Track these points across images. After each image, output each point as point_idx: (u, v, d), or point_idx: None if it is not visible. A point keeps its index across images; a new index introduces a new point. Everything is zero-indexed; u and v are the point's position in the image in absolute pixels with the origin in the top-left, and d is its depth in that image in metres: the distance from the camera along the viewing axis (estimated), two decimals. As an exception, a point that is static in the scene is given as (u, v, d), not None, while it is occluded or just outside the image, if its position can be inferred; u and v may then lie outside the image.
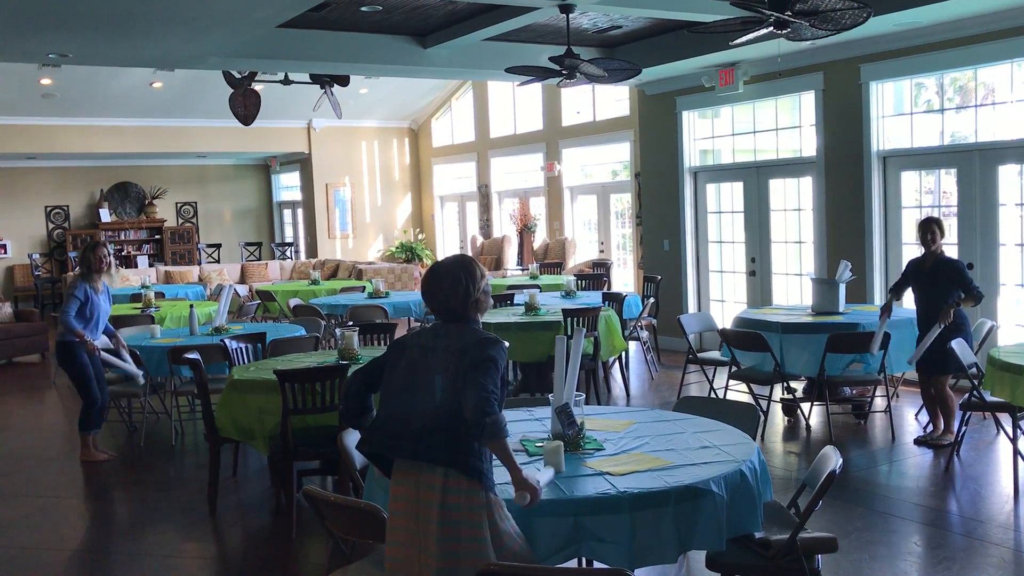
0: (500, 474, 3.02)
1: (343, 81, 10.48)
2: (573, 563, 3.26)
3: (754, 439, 3.77)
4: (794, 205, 9.81)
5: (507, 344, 3.11)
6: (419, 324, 10.04)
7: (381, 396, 3.15)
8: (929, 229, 6.52)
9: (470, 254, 16.30)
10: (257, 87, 10.98)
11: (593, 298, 9.17)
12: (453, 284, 3.10)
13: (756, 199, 10.09)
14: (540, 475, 3.08)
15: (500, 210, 16.42)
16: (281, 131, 17.55)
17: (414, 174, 18.79)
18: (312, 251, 18.24)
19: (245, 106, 10.64)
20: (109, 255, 7.11)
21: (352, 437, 3.84)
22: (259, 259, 19.09)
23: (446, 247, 18.18)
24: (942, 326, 6.28)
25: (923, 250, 6.61)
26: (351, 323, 8.60)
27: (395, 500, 3.02)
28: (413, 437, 2.96)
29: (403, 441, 2.98)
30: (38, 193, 18.14)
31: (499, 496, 2.97)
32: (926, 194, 8.75)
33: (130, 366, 7.01)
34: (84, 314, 6.87)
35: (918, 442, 6.63)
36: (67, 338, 6.86)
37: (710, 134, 10.89)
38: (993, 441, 6.61)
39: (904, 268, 6.89)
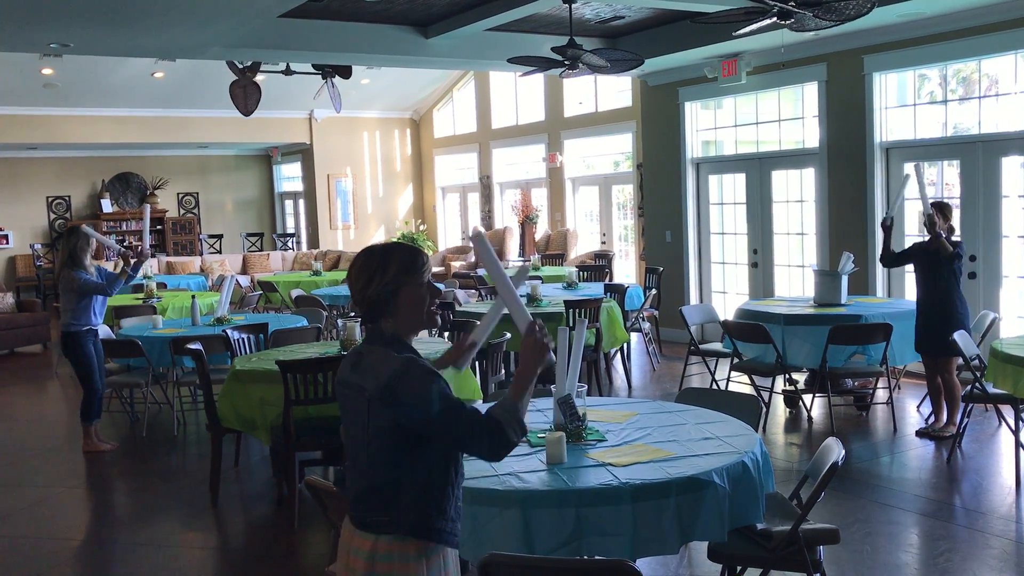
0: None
1: (345, 73, 10.45)
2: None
3: (756, 430, 3.77)
4: (796, 196, 9.80)
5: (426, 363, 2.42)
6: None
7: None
8: (929, 214, 6.52)
9: (472, 246, 16.29)
10: (259, 77, 10.95)
11: (595, 289, 9.17)
12: (358, 273, 2.47)
13: (758, 190, 10.08)
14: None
15: (502, 201, 16.40)
16: (283, 121, 17.53)
17: (416, 165, 18.77)
18: (314, 242, 18.23)
19: (246, 97, 10.62)
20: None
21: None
22: (261, 250, 19.08)
23: (447, 238, 18.17)
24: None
25: (927, 236, 6.61)
26: (353, 314, 8.61)
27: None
28: (353, 502, 2.47)
29: (351, 506, 2.49)
30: (40, 183, 18.13)
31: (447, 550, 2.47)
32: (929, 186, 8.72)
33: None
34: (84, 306, 6.88)
35: (920, 434, 6.63)
36: (73, 328, 6.88)
37: (712, 125, 10.86)
38: (995, 433, 6.61)
39: (909, 246, 6.89)
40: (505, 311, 2.67)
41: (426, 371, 2.36)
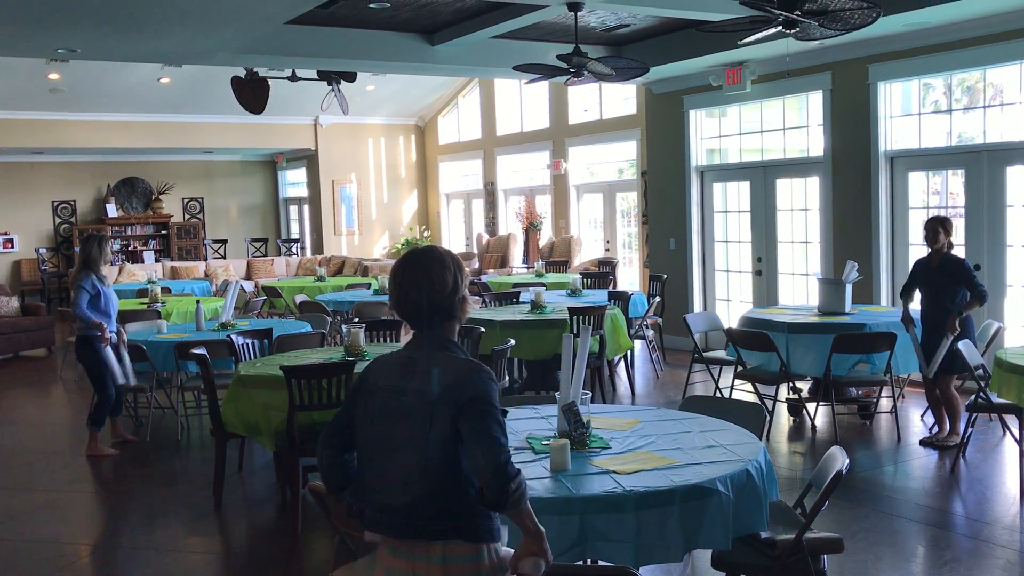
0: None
1: (350, 77, 10.49)
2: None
3: (760, 439, 3.77)
4: (801, 205, 9.80)
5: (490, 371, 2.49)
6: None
7: (359, 456, 2.59)
8: (932, 228, 6.52)
9: (476, 252, 16.31)
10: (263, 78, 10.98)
11: (599, 296, 9.17)
12: (441, 276, 2.49)
13: (763, 199, 10.08)
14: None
15: (506, 208, 16.41)
16: (288, 127, 17.56)
17: (420, 171, 18.80)
18: (318, 247, 18.26)
19: (255, 94, 10.61)
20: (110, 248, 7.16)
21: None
22: (265, 255, 19.11)
23: (451, 244, 18.18)
24: (950, 337, 6.26)
25: (929, 249, 6.60)
26: (357, 319, 8.62)
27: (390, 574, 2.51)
28: (404, 511, 2.42)
29: (394, 517, 2.44)
30: (45, 188, 18.17)
31: (503, 540, 2.53)
32: (933, 195, 8.73)
33: (120, 368, 6.97)
34: (98, 307, 6.91)
35: (924, 443, 6.62)
36: (86, 332, 6.90)
37: (717, 133, 10.87)
38: (999, 443, 6.60)
39: (911, 268, 6.88)
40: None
41: (491, 377, 2.42)
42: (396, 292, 2.52)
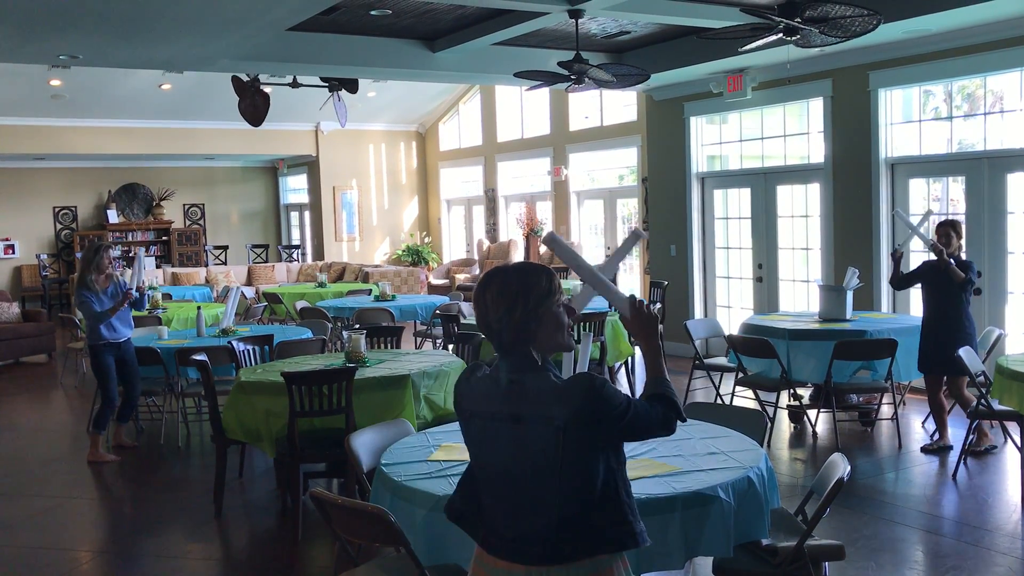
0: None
1: (352, 87, 10.49)
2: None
3: (761, 445, 3.77)
4: (801, 212, 9.80)
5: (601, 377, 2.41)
6: (426, 327, 10.04)
7: (479, 482, 2.49)
8: (944, 232, 6.55)
9: (477, 258, 16.32)
10: (265, 89, 11.00)
11: (599, 303, 9.17)
12: (535, 285, 2.39)
13: (763, 205, 10.09)
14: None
15: (506, 214, 16.42)
16: (289, 134, 17.59)
17: (421, 177, 18.82)
18: (319, 254, 18.27)
19: (255, 106, 10.64)
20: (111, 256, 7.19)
21: (360, 439, 3.84)
22: (266, 261, 19.11)
23: (452, 250, 18.19)
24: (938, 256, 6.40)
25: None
26: (358, 326, 8.62)
27: None
28: (540, 539, 2.34)
29: (529, 545, 2.36)
30: (46, 194, 18.19)
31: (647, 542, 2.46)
32: (934, 201, 8.73)
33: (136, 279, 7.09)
34: (92, 316, 6.93)
35: (925, 450, 6.62)
36: (93, 342, 6.97)
37: (718, 140, 10.88)
38: (1000, 450, 6.59)
39: (918, 266, 6.90)
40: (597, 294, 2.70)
41: (603, 380, 2.35)
42: (482, 312, 2.42)
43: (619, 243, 13.79)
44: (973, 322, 6.51)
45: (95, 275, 7.00)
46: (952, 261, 6.42)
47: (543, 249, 14.91)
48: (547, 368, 2.40)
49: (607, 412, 2.31)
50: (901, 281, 6.91)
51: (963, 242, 6.64)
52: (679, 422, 2.45)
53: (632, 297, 2.53)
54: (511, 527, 2.39)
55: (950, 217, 7.29)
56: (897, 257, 6.92)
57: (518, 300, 2.36)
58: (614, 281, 2.71)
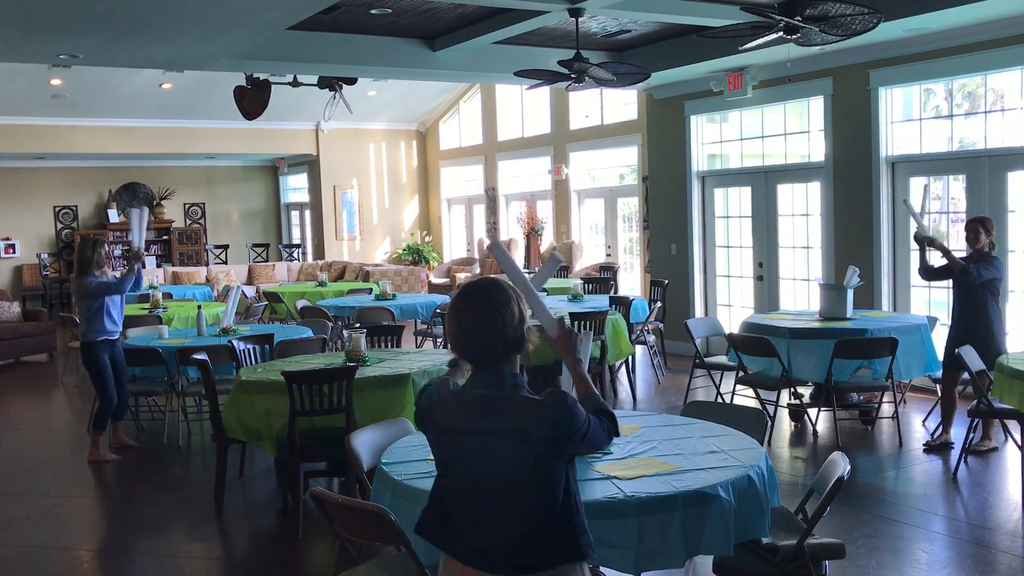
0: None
1: (350, 80, 10.50)
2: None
3: (761, 444, 3.77)
4: (802, 210, 9.80)
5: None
6: (426, 327, 10.05)
7: (447, 494, 2.55)
8: (973, 228, 6.55)
9: (477, 258, 16.32)
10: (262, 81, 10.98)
11: (600, 302, 9.17)
12: (509, 309, 2.47)
13: (764, 204, 10.09)
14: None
15: (507, 213, 16.42)
16: (289, 133, 17.58)
17: (421, 176, 18.81)
18: (319, 253, 18.27)
19: (256, 97, 10.61)
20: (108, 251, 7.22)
21: (360, 438, 3.84)
22: (266, 260, 19.11)
23: (452, 250, 18.19)
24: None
25: (970, 250, 6.62)
26: (358, 325, 8.62)
27: None
28: (507, 550, 2.43)
29: (496, 556, 2.44)
30: (47, 193, 18.19)
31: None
32: (935, 200, 8.73)
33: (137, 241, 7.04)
34: (95, 312, 6.94)
35: (928, 447, 6.58)
36: (88, 338, 6.98)
37: (718, 138, 10.88)
38: (1001, 448, 6.59)
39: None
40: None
41: (573, 398, 2.44)
42: (460, 330, 2.47)
43: (618, 243, 13.78)
44: (997, 319, 6.49)
45: (96, 271, 7.02)
46: (969, 264, 6.41)
47: (544, 247, 14.91)
48: (520, 384, 2.47)
49: (576, 429, 2.41)
50: (930, 273, 6.86)
51: (993, 239, 6.59)
52: (616, 427, 2.58)
53: (561, 319, 2.70)
54: (480, 537, 2.45)
55: (946, 218, 7.30)
56: (919, 241, 6.87)
57: (509, 314, 2.45)
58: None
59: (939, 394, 7.57)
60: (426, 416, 2.58)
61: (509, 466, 2.40)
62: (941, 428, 6.73)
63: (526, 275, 2.73)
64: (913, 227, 8.56)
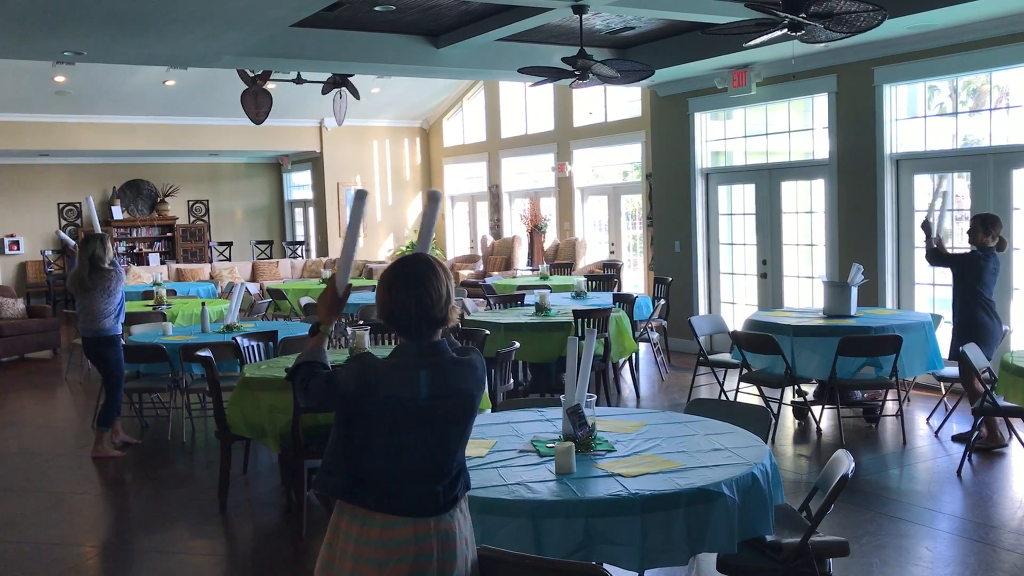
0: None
1: (347, 75, 10.51)
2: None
3: (765, 442, 3.77)
4: (806, 208, 9.79)
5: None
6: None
7: (368, 459, 2.62)
8: (972, 225, 6.67)
9: (481, 255, 16.31)
10: (269, 86, 11.01)
11: (603, 299, 9.16)
12: (440, 284, 2.64)
13: (768, 201, 10.07)
14: None
15: (511, 210, 16.42)
16: (293, 130, 17.59)
17: (425, 174, 18.81)
18: (323, 250, 18.28)
19: (256, 106, 10.68)
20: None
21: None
22: (270, 257, 19.14)
23: (456, 247, 18.19)
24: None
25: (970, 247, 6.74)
26: (362, 322, 8.62)
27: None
28: (439, 495, 2.62)
29: (427, 503, 2.60)
30: (51, 190, 18.22)
31: None
32: (939, 198, 8.70)
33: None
34: (119, 302, 6.97)
35: (976, 448, 6.50)
36: (112, 332, 6.97)
37: (722, 136, 10.86)
38: (1005, 446, 6.57)
39: (955, 253, 6.98)
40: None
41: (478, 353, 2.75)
42: (390, 303, 2.63)
43: (622, 240, 13.77)
44: (990, 312, 6.56)
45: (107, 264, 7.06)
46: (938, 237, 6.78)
47: (548, 244, 14.90)
48: (453, 348, 2.71)
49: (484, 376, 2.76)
50: (936, 257, 6.94)
51: (996, 236, 6.65)
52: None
53: (349, 286, 2.88)
54: (422, 487, 2.62)
55: (951, 215, 7.32)
56: (925, 227, 6.95)
57: (446, 285, 2.65)
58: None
59: (944, 392, 7.58)
60: (366, 391, 2.58)
61: (460, 420, 2.66)
62: (984, 431, 6.63)
63: (356, 238, 3.01)
64: (919, 219, 8.58)
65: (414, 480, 2.61)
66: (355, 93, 10.91)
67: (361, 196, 2.97)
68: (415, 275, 2.61)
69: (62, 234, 7.55)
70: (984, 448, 6.43)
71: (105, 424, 7.12)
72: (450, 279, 2.68)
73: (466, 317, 8.36)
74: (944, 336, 7.19)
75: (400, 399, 2.57)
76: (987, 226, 6.60)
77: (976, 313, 6.57)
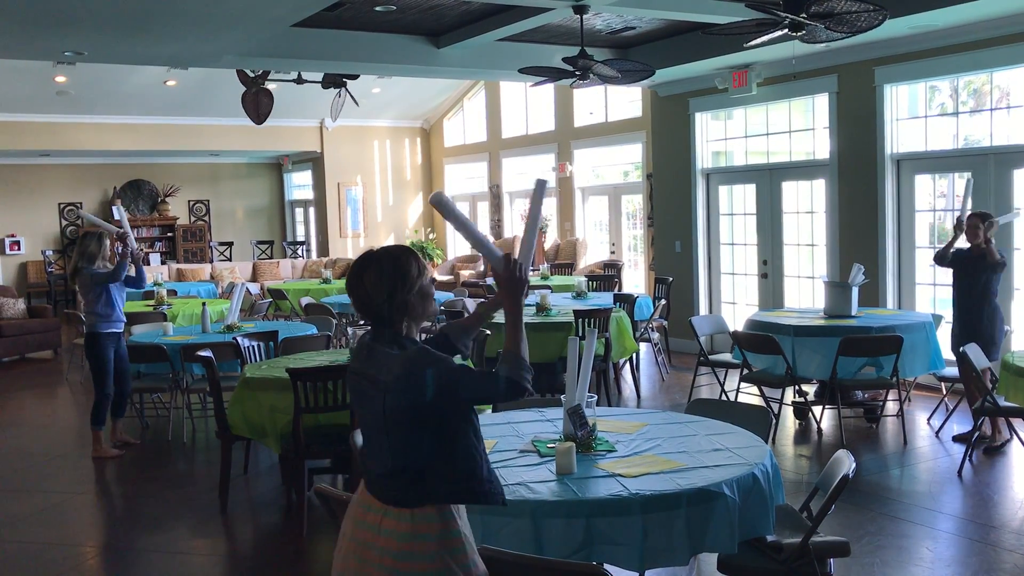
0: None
1: (351, 75, 10.50)
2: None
3: (766, 442, 3.76)
4: (807, 208, 9.79)
5: (444, 356, 2.61)
6: (430, 324, 10.04)
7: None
8: (972, 223, 6.68)
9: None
10: (270, 86, 11.01)
11: (604, 299, 9.16)
12: (378, 278, 2.60)
13: (768, 201, 10.07)
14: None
15: (511, 210, 16.42)
16: (294, 130, 17.59)
17: (425, 174, 18.81)
18: (323, 250, 18.28)
19: (258, 106, 10.68)
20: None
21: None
22: (271, 257, 19.13)
23: (457, 247, 18.20)
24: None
25: (969, 246, 6.77)
26: (363, 322, 8.62)
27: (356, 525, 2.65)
28: (385, 480, 2.59)
29: (383, 487, 2.60)
30: (52, 190, 18.22)
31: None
32: (939, 197, 8.71)
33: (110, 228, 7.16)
34: (104, 301, 6.96)
35: (988, 450, 6.51)
36: (93, 328, 6.98)
37: (723, 136, 10.86)
38: (1006, 446, 6.57)
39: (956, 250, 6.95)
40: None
41: (435, 356, 2.55)
42: (350, 295, 2.69)
43: (623, 240, 13.77)
44: (1000, 310, 6.61)
45: (100, 264, 7.06)
46: (992, 240, 6.65)
47: (548, 244, 14.90)
48: (401, 343, 2.61)
49: (425, 383, 2.49)
50: (946, 260, 6.94)
51: (991, 235, 6.68)
52: (527, 393, 2.62)
53: (508, 255, 2.69)
54: (371, 465, 2.65)
55: (951, 215, 7.32)
56: (957, 228, 6.96)
57: (397, 285, 2.59)
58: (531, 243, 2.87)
59: (944, 392, 7.58)
60: (348, 368, 2.79)
61: (373, 408, 2.59)
62: (990, 431, 6.63)
63: (466, 219, 2.87)
64: (920, 219, 8.57)
65: (366, 452, 2.72)
66: (354, 100, 10.92)
67: (541, 185, 2.90)
68: (360, 268, 2.67)
69: (89, 216, 7.65)
70: (992, 448, 6.43)
71: (96, 423, 7.10)
72: (385, 278, 2.60)
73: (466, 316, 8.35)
74: (943, 337, 7.20)
75: (350, 368, 2.75)
76: (985, 222, 6.64)
77: (995, 310, 6.61)
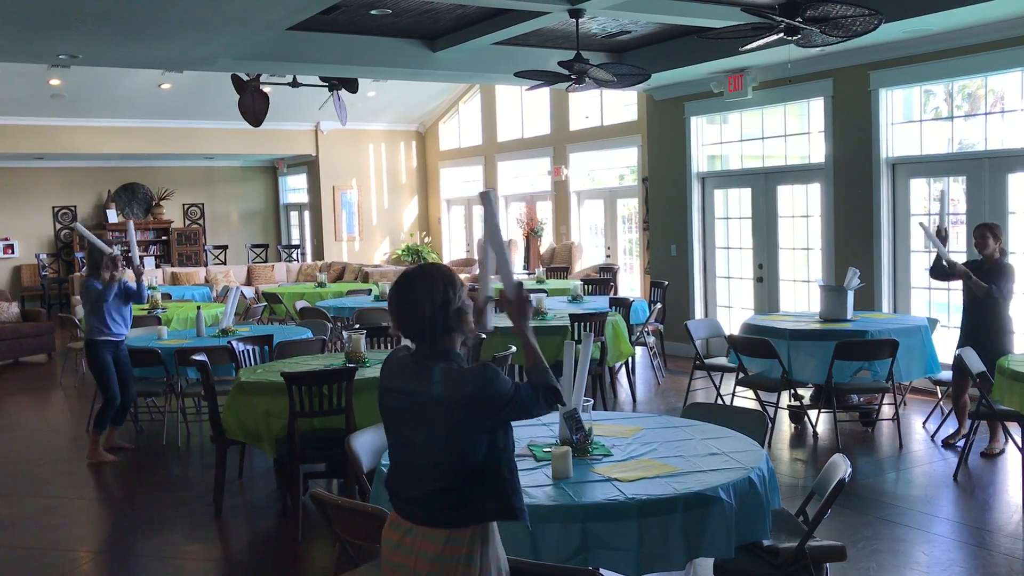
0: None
1: (352, 87, 10.48)
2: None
3: (762, 446, 3.76)
4: (802, 211, 9.80)
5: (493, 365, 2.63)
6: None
7: (391, 449, 2.81)
8: (979, 234, 6.56)
9: (477, 258, 16.30)
10: (265, 89, 10.99)
11: (600, 303, 9.16)
12: (431, 287, 2.63)
13: (764, 205, 10.08)
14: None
15: (507, 214, 16.41)
16: (289, 133, 17.58)
17: (421, 177, 18.81)
18: (318, 253, 18.26)
19: (254, 106, 10.64)
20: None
21: (360, 440, 3.83)
22: (265, 261, 19.10)
23: (452, 250, 18.19)
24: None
25: (980, 256, 6.63)
26: (358, 326, 8.61)
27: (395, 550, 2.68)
28: (428, 504, 2.61)
29: (422, 508, 2.62)
30: (46, 193, 18.18)
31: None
32: (935, 201, 8.72)
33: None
34: (98, 317, 6.94)
35: (946, 443, 6.53)
36: (89, 336, 6.97)
37: (718, 140, 10.87)
38: (1001, 450, 6.57)
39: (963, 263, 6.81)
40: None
41: (495, 370, 2.58)
42: (392, 313, 2.69)
43: (618, 244, 13.77)
44: (1008, 324, 6.48)
45: (105, 274, 7.04)
46: (970, 273, 6.49)
47: (544, 248, 14.90)
48: (452, 358, 2.64)
49: (493, 397, 2.54)
50: (942, 273, 6.80)
51: (1002, 244, 6.60)
52: (560, 405, 2.74)
53: (520, 284, 2.77)
54: (408, 489, 2.65)
55: (947, 219, 7.29)
56: (943, 236, 6.82)
57: (451, 293, 2.62)
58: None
59: (940, 396, 7.59)
60: (381, 388, 2.77)
61: (429, 427, 2.58)
62: (956, 426, 6.68)
63: (502, 236, 2.88)
64: (914, 225, 8.59)
65: (402, 475, 2.72)
66: (352, 89, 10.86)
67: (487, 196, 2.91)
68: (408, 284, 2.70)
69: (81, 228, 7.65)
70: (989, 454, 6.43)
71: (98, 426, 7.11)
72: (434, 292, 2.64)
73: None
74: (939, 340, 7.20)
75: (388, 387, 2.75)
76: (996, 233, 6.55)
77: (1006, 323, 6.48)
